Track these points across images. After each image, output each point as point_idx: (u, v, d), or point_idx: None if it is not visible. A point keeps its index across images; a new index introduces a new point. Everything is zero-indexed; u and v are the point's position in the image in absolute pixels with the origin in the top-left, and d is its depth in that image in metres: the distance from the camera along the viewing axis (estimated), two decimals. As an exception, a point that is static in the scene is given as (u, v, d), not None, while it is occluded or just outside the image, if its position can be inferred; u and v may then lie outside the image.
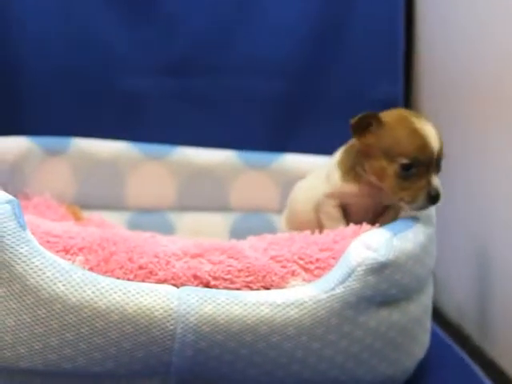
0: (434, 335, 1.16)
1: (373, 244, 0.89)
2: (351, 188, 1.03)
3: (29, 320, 0.84)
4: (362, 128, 0.98)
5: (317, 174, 1.12)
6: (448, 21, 1.36)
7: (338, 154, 1.06)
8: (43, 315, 0.84)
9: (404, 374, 0.97)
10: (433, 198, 0.95)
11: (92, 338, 0.84)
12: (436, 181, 0.95)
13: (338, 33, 1.50)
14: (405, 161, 0.95)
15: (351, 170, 1.03)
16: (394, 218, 1.00)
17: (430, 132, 0.95)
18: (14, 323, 0.85)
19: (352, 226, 1.01)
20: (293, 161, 1.37)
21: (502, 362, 1.10)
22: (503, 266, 1.10)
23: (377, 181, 1.00)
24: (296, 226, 1.12)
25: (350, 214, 1.06)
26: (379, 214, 1.06)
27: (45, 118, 1.44)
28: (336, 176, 1.04)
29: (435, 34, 1.44)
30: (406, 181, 0.96)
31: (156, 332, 0.84)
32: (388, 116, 0.99)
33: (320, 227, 1.07)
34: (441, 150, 0.96)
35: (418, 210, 0.97)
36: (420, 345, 0.98)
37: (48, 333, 0.84)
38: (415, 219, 0.97)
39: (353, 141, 1.04)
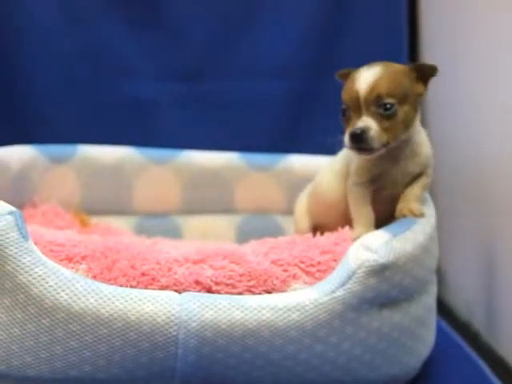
0: (442, 332, 1.16)
1: (372, 246, 0.89)
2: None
3: (33, 329, 0.85)
4: None
5: (340, 158, 1.09)
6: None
7: None
8: (47, 324, 0.85)
9: (409, 373, 0.97)
10: (353, 136, 0.93)
11: (96, 346, 0.85)
12: (363, 121, 0.93)
13: (340, 31, 1.50)
14: (342, 106, 0.96)
15: None
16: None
17: (361, 76, 0.94)
18: (19, 332, 0.86)
19: (354, 229, 1.01)
20: (297, 162, 1.36)
21: (510, 360, 1.10)
22: (512, 263, 1.10)
23: None
24: (323, 214, 1.10)
25: (377, 193, 1.01)
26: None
27: (52, 127, 1.46)
28: None
29: (441, 28, 1.43)
30: (345, 125, 0.96)
31: (159, 338, 0.85)
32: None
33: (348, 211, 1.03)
34: (371, 92, 0.93)
35: (355, 153, 0.95)
36: (424, 344, 0.98)
37: (53, 341, 0.85)
38: (414, 220, 0.96)
39: None
